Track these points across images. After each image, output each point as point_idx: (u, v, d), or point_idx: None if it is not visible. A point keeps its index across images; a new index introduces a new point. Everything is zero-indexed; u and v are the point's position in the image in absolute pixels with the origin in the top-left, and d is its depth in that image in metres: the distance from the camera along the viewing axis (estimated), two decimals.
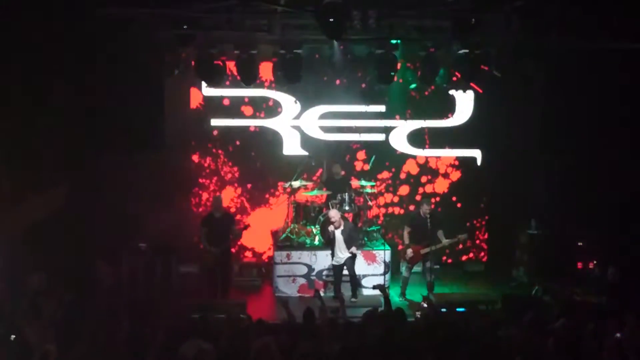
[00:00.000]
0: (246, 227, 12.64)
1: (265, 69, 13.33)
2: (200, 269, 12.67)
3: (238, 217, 14.10)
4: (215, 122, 14.37)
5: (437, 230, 12.60)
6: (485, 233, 15.16)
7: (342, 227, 12.27)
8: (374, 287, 10.70)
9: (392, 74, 12.48)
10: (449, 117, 14.66)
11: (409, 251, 12.68)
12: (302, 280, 13.08)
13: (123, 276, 12.48)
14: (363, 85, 14.30)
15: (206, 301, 11.95)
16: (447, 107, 14.64)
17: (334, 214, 12.33)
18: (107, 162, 12.62)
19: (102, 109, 11.12)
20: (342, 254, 12.31)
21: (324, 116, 14.43)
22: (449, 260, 14.82)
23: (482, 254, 15.16)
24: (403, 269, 12.98)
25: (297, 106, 14.38)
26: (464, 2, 10.31)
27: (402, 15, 11.08)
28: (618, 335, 7.95)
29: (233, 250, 13.02)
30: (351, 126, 14.55)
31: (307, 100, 14.35)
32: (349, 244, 12.27)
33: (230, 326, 8.51)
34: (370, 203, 13.98)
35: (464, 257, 15.07)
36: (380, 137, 14.65)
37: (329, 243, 12.48)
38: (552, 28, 10.90)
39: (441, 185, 14.98)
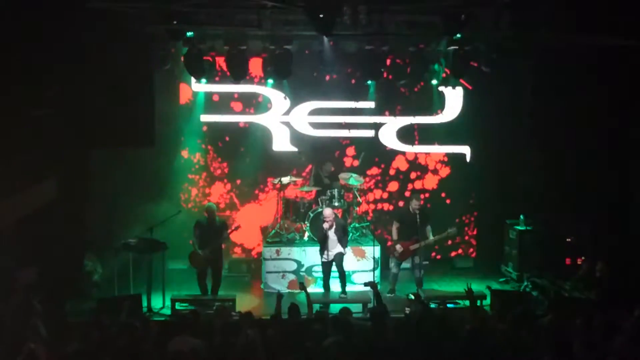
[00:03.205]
0: (237, 228, 12.56)
1: (255, 65, 13.29)
2: (190, 266, 12.60)
3: (227, 212, 14.09)
4: (204, 117, 14.34)
5: (426, 226, 12.61)
6: (475, 229, 15.18)
7: (334, 226, 12.23)
8: (365, 285, 10.71)
9: (382, 70, 12.48)
10: (438, 114, 14.65)
11: (398, 247, 12.67)
12: (292, 276, 13.05)
13: (112, 272, 12.45)
14: (353, 81, 14.21)
15: (196, 297, 11.96)
16: (437, 104, 14.64)
17: (329, 213, 12.23)
18: (96, 157, 12.58)
19: (91, 104, 11.06)
20: (333, 250, 12.30)
21: (313, 112, 14.40)
22: (438, 257, 14.82)
23: (471, 250, 15.19)
24: (392, 265, 12.98)
25: (287, 102, 14.32)
26: None
27: (392, 11, 11.09)
28: None
29: (223, 246, 12.87)
30: (341, 122, 14.54)
31: (297, 96, 14.30)
32: (341, 240, 12.27)
33: (220, 322, 8.51)
34: (359, 199, 13.98)
35: (453, 253, 15.07)
36: (370, 133, 14.62)
37: (322, 241, 12.36)
38: (542, 24, 10.94)
39: (430, 182, 14.99)
